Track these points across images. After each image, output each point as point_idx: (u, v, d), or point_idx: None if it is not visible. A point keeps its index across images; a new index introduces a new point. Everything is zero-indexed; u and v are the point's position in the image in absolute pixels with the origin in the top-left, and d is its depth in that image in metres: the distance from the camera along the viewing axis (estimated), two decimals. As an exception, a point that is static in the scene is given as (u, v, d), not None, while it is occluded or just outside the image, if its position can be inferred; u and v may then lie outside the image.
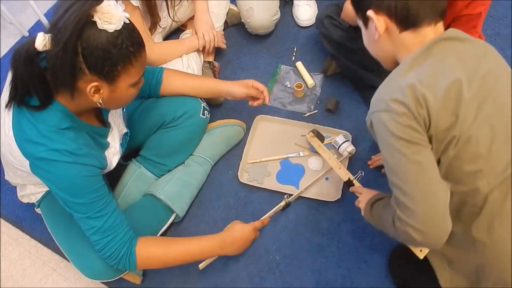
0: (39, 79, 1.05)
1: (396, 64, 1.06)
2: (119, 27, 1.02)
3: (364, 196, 1.29)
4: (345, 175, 1.48)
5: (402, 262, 1.35)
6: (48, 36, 1.00)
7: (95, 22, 1.00)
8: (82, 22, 0.98)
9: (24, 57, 1.02)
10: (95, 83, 1.06)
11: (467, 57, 0.98)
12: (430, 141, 0.95)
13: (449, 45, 0.99)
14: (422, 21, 0.99)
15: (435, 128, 0.93)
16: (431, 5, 0.98)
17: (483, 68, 0.97)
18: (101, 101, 1.11)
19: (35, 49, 1.00)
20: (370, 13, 1.01)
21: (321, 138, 1.65)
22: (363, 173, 1.55)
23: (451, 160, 0.95)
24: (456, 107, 0.93)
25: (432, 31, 1.00)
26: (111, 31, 1.01)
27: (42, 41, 0.99)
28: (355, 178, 1.47)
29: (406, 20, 0.99)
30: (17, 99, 1.08)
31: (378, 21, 1.01)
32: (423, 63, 0.97)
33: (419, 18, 0.98)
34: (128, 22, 1.05)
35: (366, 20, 1.06)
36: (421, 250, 1.13)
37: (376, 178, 1.60)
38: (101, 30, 1.00)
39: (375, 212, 1.17)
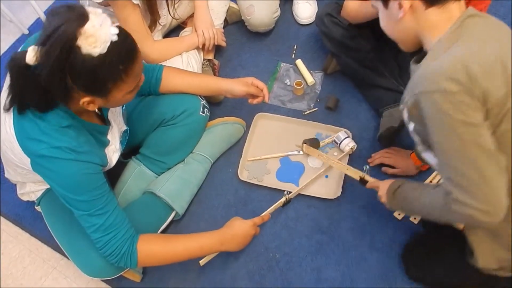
0: (34, 90, 1.04)
1: (417, 44, 1.05)
2: (104, 50, 0.99)
3: (382, 189, 1.30)
4: (356, 174, 1.47)
5: (418, 253, 1.37)
6: (38, 49, 0.97)
7: (80, 47, 0.97)
8: (65, 50, 0.96)
9: (16, 71, 1.01)
10: (87, 98, 1.06)
11: (495, 32, 0.98)
12: (486, 117, 0.92)
13: (478, 21, 0.97)
14: None
15: (490, 102, 0.90)
16: None
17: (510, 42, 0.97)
18: (97, 109, 1.11)
19: (26, 63, 0.99)
20: None
21: (316, 144, 1.64)
22: (368, 166, 1.54)
23: (504, 132, 0.94)
24: (506, 80, 0.91)
25: (457, 7, 0.98)
26: (96, 55, 0.98)
27: (32, 57, 0.98)
28: (365, 173, 1.46)
29: None
30: (17, 106, 1.08)
31: None
32: (460, 39, 0.95)
33: None
34: (116, 38, 1.01)
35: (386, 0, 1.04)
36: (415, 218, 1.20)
37: (377, 175, 1.60)
38: (86, 54, 0.98)
39: (402, 198, 1.18)
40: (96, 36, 0.97)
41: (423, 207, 1.09)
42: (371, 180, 1.43)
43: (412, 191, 1.15)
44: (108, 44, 0.99)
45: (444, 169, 0.98)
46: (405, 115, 1.07)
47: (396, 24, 1.05)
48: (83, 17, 0.97)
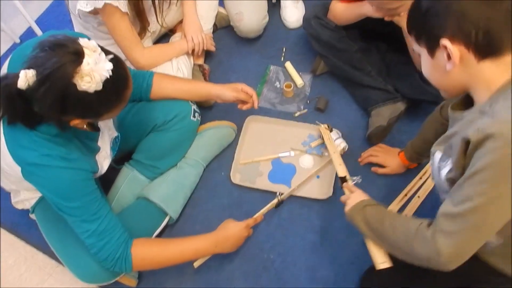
0: (26, 111, 1.05)
1: (462, 93, 0.97)
2: (99, 88, 1.02)
3: (356, 195, 1.26)
4: (344, 171, 1.49)
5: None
6: (30, 74, 0.98)
7: (75, 84, 1.00)
8: (63, 90, 0.99)
9: (6, 96, 1.02)
10: (78, 121, 1.10)
11: None
12: None
13: None
14: (505, 48, 0.87)
15: None
16: None
17: None
18: (85, 126, 1.15)
19: (18, 88, 0.99)
20: (445, 42, 0.88)
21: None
22: (361, 179, 1.57)
23: None
24: None
25: None
26: (91, 92, 1.02)
27: (24, 83, 0.99)
28: (353, 180, 1.49)
29: (487, 48, 0.87)
30: (7, 120, 1.09)
31: (454, 51, 0.88)
32: None
33: (502, 44, 0.86)
34: (111, 74, 1.03)
35: (433, 48, 0.92)
36: (382, 263, 1.12)
37: (368, 175, 1.63)
38: (81, 91, 1.01)
39: (372, 214, 1.14)
40: (92, 75, 1.00)
41: (390, 228, 1.06)
42: (350, 184, 1.42)
43: (387, 213, 1.13)
44: (104, 79, 1.02)
45: (448, 209, 0.92)
46: (438, 156, 1.01)
47: (443, 75, 0.94)
48: (78, 55, 0.99)
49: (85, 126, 1.16)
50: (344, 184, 1.44)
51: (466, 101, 0.99)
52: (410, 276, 1.15)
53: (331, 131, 1.67)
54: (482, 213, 0.86)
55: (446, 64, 0.91)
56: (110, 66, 1.03)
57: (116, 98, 1.10)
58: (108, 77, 1.03)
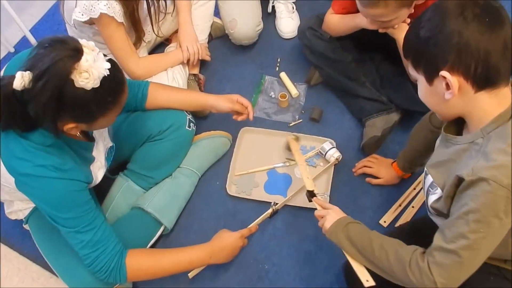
0: (19, 115, 1.06)
1: (456, 118, 1.00)
2: (97, 85, 1.03)
3: (335, 211, 1.23)
4: (311, 185, 1.46)
5: None
6: (26, 75, 0.99)
7: (73, 80, 1.00)
8: (61, 85, 1.00)
9: (2, 97, 1.02)
10: (72, 125, 1.09)
11: None
12: None
13: None
14: (501, 80, 0.90)
15: None
16: (511, 61, 0.90)
17: None
18: (78, 133, 1.14)
19: (14, 89, 1.00)
20: (445, 73, 0.89)
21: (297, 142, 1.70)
22: (328, 198, 1.59)
23: None
24: None
25: (507, 90, 0.93)
26: (89, 89, 1.02)
27: (20, 83, 0.99)
28: (320, 195, 1.49)
29: (485, 80, 0.89)
30: (1, 126, 1.09)
31: (454, 82, 0.90)
32: None
33: (499, 77, 0.89)
34: (108, 73, 1.05)
35: (431, 76, 0.94)
36: (367, 280, 1.12)
37: (362, 185, 1.64)
38: (78, 87, 1.01)
39: (355, 233, 1.13)
40: (90, 72, 1.01)
41: (382, 252, 1.05)
42: (322, 199, 1.41)
43: (372, 232, 1.12)
44: (101, 77, 1.03)
45: (442, 245, 0.95)
46: (429, 181, 1.05)
47: (441, 102, 0.96)
48: (77, 52, 1.00)
49: (78, 134, 1.15)
50: (315, 198, 1.40)
51: (458, 121, 1.02)
52: None
53: (298, 141, 1.69)
54: (476, 249, 0.91)
55: (444, 93, 0.93)
56: (108, 65, 1.05)
57: (112, 100, 1.10)
58: (106, 75, 1.04)
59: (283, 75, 1.92)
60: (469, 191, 0.89)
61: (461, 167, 0.93)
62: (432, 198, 1.04)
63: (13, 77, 0.99)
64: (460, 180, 0.91)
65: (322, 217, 1.24)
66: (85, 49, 1.02)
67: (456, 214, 0.92)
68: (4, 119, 1.07)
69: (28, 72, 0.99)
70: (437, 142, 1.10)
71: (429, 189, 1.06)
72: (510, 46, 0.89)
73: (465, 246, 0.90)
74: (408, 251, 1.01)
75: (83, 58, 1.00)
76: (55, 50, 0.99)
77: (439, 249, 0.95)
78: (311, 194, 1.43)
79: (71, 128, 1.10)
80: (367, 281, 1.10)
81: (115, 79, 1.09)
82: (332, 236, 1.18)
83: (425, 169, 1.09)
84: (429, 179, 1.06)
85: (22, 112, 1.05)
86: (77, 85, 1.01)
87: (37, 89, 0.99)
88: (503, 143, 0.88)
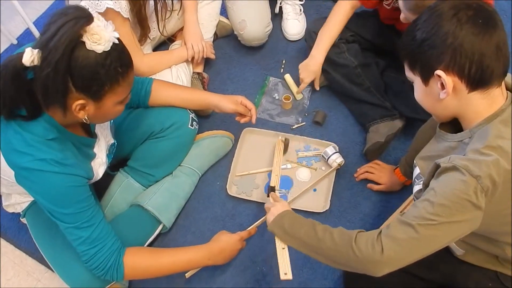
0: (28, 93, 1.05)
1: (451, 118, 1.03)
2: (107, 48, 1.03)
3: (280, 205, 1.26)
4: (275, 182, 1.54)
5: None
6: (36, 51, 1.00)
7: (84, 42, 1.00)
8: (72, 44, 0.99)
9: (11, 72, 1.02)
10: (81, 101, 1.06)
11: None
12: None
13: None
14: (493, 81, 0.93)
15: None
16: (504, 63, 0.93)
17: None
18: (86, 118, 1.11)
19: (22, 64, 1.00)
20: (440, 73, 0.93)
21: (285, 149, 1.71)
22: (288, 193, 1.63)
23: None
24: None
25: (499, 91, 0.96)
26: (99, 52, 1.02)
27: (29, 57, 0.99)
28: (280, 192, 1.54)
29: (478, 81, 0.92)
30: (5, 112, 1.08)
31: (448, 81, 0.93)
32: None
33: (492, 77, 0.92)
34: (117, 42, 1.06)
35: (427, 77, 0.97)
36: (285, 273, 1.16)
37: (363, 190, 1.63)
38: (89, 50, 1.01)
39: (292, 221, 1.17)
40: (101, 34, 1.01)
41: (327, 233, 1.06)
42: (277, 194, 1.45)
43: (314, 221, 1.14)
44: (111, 43, 1.04)
45: (405, 218, 0.96)
46: (416, 172, 1.10)
47: (436, 102, 1.00)
48: (88, 17, 1.01)
49: (86, 117, 1.11)
50: (271, 193, 1.44)
51: (454, 122, 1.04)
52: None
53: (285, 148, 1.69)
54: (435, 230, 0.92)
55: (439, 93, 0.96)
56: (117, 34, 1.06)
57: (121, 72, 1.08)
58: (115, 44, 1.05)
59: (287, 77, 1.92)
60: (441, 177, 0.93)
61: (441, 160, 0.96)
62: (416, 188, 1.09)
63: (22, 53, 0.99)
64: (437, 167, 0.94)
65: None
66: (95, 18, 1.03)
67: (424, 196, 0.94)
68: (11, 99, 1.06)
69: (37, 49, 0.99)
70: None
71: (415, 179, 1.12)
72: (503, 48, 0.92)
73: (425, 224, 0.91)
74: (355, 230, 1.02)
75: (94, 22, 1.01)
76: (68, 13, 1.00)
77: (397, 221, 0.96)
78: (271, 189, 1.51)
79: (80, 106, 1.07)
80: (285, 274, 1.16)
81: (124, 50, 1.10)
82: (271, 227, 1.20)
83: (415, 161, 1.13)
84: (417, 170, 1.10)
85: (30, 91, 1.04)
86: (88, 47, 1.01)
87: (48, 49, 0.98)
88: (480, 144, 0.91)
